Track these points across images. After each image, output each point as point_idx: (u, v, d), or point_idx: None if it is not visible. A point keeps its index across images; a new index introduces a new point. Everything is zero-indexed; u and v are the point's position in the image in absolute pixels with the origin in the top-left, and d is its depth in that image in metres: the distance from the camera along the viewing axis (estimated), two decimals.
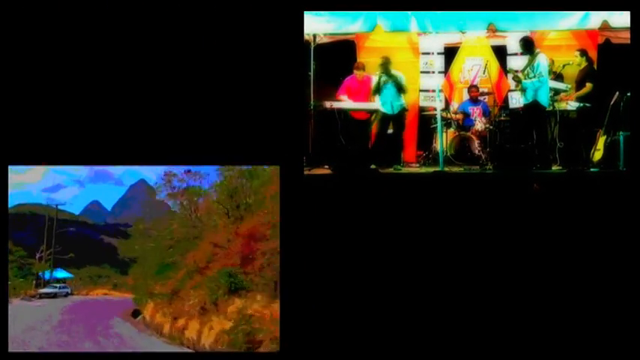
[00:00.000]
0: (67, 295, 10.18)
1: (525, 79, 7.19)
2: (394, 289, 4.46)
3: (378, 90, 7.71)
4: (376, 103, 7.75)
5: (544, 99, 7.14)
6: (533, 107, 7.16)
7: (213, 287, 6.24)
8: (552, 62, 7.57)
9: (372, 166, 7.09)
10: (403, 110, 7.81)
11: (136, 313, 8.40)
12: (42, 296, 9.43)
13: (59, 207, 10.53)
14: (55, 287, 10.01)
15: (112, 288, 11.94)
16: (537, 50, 7.25)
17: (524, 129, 7.40)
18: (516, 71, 7.49)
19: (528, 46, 7.27)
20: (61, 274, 10.70)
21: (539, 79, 7.07)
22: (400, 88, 7.68)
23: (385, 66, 7.68)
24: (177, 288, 7.37)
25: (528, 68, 7.19)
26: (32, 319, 7.06)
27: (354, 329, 4.38)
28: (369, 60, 8.08)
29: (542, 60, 7.13)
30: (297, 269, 4.64)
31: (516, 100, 8.06)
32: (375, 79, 7.75)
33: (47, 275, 10.18)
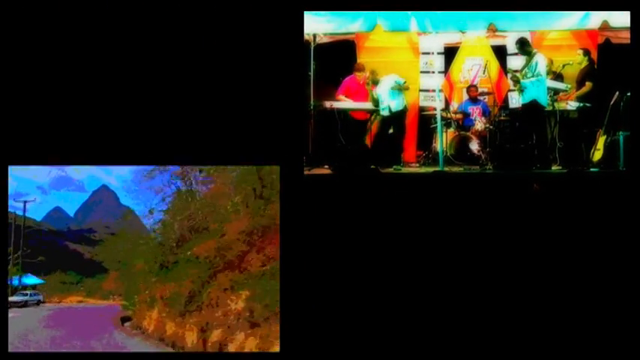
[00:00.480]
0: (38, 303, 9.28)
1: (524, 78, 7.19)
2: (394, 288, 4.46)
3: (376, 103, 7.81)
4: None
5: (543, 99, 7.14)
6: (532, 107, 7.16)
7: (266, 289, 5.12)
8: (551, 62, 7.57)
9: (372, 166, 7.10)
10: (403, 111, 7.81)
11: (124, 320, 7.85)
12: (11, 305, 8.18)
13: (27, 204, 9.61)
14: (26, 295, 9.16)
15: (85, 295, 11.14)
16: (534, 50, 7.26)
17: (524, 129, 7.41)
18: (515, 71, 7.50)
19: (524, 46, 7.27)
20: (30, 279, 9.78)
21: (537, 78, 7.07)
22: (401, 88, 7.70)
23: (372, 78, 7.80)
24: (194, 291, 6.31)
25: (526, 68, 7.20)
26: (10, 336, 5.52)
27: (355, 329, 4.38)
28: (368, 60, 8.08)
29: (540, 60, 7.13)
30: (297, 269, 4.64)
31: (516, 100, 8.06)
32: (370, 94, 7.85)
33: (16, 281, 9.19)
